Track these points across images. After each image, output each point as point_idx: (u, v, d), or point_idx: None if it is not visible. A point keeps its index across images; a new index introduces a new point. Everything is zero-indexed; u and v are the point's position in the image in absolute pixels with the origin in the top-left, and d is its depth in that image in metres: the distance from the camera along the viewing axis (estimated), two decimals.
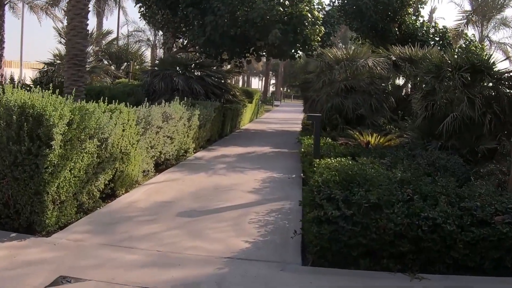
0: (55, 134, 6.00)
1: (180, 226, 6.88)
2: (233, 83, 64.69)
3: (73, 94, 8.03)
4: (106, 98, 14.99)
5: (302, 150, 11.11)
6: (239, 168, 11.93)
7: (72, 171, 6.59)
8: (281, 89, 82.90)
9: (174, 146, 11.49)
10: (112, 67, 26.25)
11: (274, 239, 6.45)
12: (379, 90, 16.40)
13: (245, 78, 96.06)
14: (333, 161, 8.37)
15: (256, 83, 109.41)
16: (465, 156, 10.38)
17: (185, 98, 16.38)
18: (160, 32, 29.41)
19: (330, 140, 12.44)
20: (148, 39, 44.89)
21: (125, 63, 26.40)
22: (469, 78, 11.27)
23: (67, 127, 6.30)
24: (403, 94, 18.53)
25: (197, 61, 19.52)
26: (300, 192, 9.47)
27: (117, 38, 35.75)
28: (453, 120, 10.88)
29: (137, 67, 25.85)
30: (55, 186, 6.24)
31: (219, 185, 9.76)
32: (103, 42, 26.04)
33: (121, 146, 8.35)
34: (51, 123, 5.97)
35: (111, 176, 8.13)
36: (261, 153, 15.02)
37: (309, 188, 6.57)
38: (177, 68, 18.72)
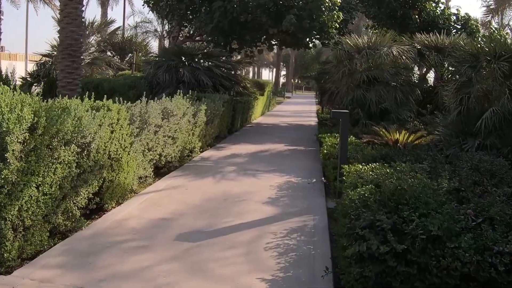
0: (11, 144, 4.58)
1: (178, 256, 5.44)
2: (244, 74, 63.34)
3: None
4: (105, 91, 13.45)
5: (325, 151, 9.62)
6: (251, 171, 10.49)
7: (40, 188, 5.17)
8: (292, 80, 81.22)
9: (176, 146, 10.07)
10: (116, 59, 24.87)
11: (298, 276, 5.01)
12: (404, 81, 14.86)
13: (256, 69, 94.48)
14: (365, 168, 6.92)
15: (266, 75, 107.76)
16: (507, 156, 8.95)
17: (191, 91, 15.03)
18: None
19: (353, 138, 10.97)
20: (156, 30, 43.33)
21: (130, 54, 25.01)
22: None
23: (28, 134, 4.88)
24: (428, 85, 17.01)
25: (205, 51, 18.03)
26: (323, 201, 8.05)
27: (123, 29, 34.41)
28: (492, 116, 9.51)
29: (142, 58, 24.43)
30: (16, 209, 4.83)
31: (228, 194, 8.33)
32: (106, 32, 24.58)
33: (109, 151, 6.95)
34: (4, 129, 4.54)
35: (98, 188, 6.73)
36: (275, 152, 13.56)
37: (343, 209, 5.12)
38: (183, 58, 17.27)
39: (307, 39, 19.82)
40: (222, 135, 15.66)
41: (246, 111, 20.67)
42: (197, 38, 20.28)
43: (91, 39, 23.62)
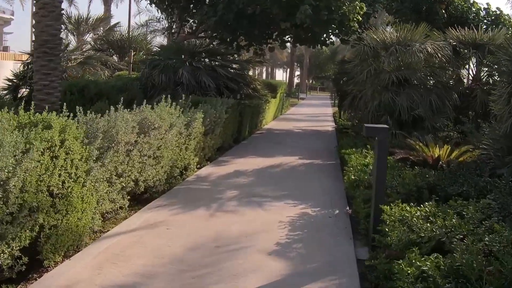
0: None
1: None
2: (256, 75, 61.24)
3: None
4: (91, 95, 11.44)
5: (351, 177, 7.37)
6: (256, 197, 8.33)
7: None
8: (307, 81, 78.91)
9: (161, 167, 7.95)
10: (115, 58, 22.87)
11: None
12: (439, 83, 12.60)
13: (269, 69, 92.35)
14: (415, 213, 4.79)
15: (280, 75, 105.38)
16: None
17: (189, 94, 12.97)
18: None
19: None
20: (163, 28, 41.28)
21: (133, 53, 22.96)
22: None
23: None
24: (464, 88, 14.71)
25: (208, 48, 15.86)
26: (351, 250, 5.87)
27: (128, 28, 32.41)
28: None
29: (143, 57, 22.34)
30: None
31: (222, 237, 6.17)
32: (104, 30, 22.53)
33: (49, 186, 4.85)
34: None
35: (31, 239, 4.64)
36: (287, 167, 11.38)
37: None
38: (183, 57, 15.15)
39: (325, 35, 17.51)
40: (226, 145, 13.52)
41: (256, 116, 18.52)
42: (200, 34, 18.16)
43: (86, 37, 21.64)
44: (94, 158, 5.78)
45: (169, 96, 9.26)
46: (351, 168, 7.81)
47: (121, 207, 6.89)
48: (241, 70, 17.58)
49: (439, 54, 12.30)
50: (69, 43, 19.74)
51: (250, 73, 23.88)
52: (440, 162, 8.75)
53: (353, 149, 9.45)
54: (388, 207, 5.13)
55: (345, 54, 46.14)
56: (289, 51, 65.73)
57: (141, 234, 6.17)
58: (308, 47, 25.63)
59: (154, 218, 6.84)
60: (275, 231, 6.47)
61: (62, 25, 18.52)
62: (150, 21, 44.02)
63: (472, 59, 13.95)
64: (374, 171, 5.78)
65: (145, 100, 8.84)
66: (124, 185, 6.73)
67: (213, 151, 11.92)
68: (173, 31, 18.86)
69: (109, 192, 6.32)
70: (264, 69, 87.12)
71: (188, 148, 9.50)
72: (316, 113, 32.31)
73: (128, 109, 7.54)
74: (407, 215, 4.89)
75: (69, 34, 21.41)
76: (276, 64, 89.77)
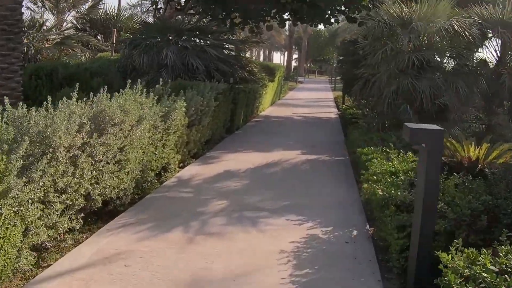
0: None
1: None
2: (253, 57, 59.08)
3: None
4: (59, 80, 9.38)
5: (378, 192, 5.43)
6: (250, 210, 6.55)
7: None
8: (305, 64, 76.77)
9: (127, 173, 6.16)
10: (100, 38, 20.93)
11: None
12: (467, 67, 10.77)
13: (266, 52, 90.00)
14: (486, 261, 3.04)
15: (278, 58, 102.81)
16: None
17: (175, 77, 11.22)
18: None
19: (411, 154, 7.05)
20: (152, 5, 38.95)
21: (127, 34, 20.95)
22: None
23: None
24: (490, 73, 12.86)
25: (196, 25, 13.92)
26: None
27: (118, 7, 30.18)
28: None
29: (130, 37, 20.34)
30: None
31: (201, 282, 4.41)
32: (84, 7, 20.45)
33: None
34: None
35: None
36: (287, 166, 9.60)
37: None
38: (169, 36, 13.24)
39: (329, 11, 15.48)
40: (217, 137, 11.71)
41: (252, 102, 16.71)
42: (189, 11, 16.18)
43: (66, 16, 19.65)
44: (15, 173, 3.98)
45: (145, 81, 7.43)
46: (374, 177, 5.99)
47: (70, 230, 5.14)
48: (236, 51, 15.71)
49: (466, 33, 10.44)
50: (45, 21, 17.80)
51: (248, 55, 21.97)
52: (480, 166, 7.00)
53: (371, 147, 7.62)
54: (446, 254, 3.36)
55: (345, 36, 44.11)
56: (287, 33, 63.57)
57: (89, 276, 4.40)
58: (309, 26, 23.49)
59: (111, 247, 5.06)
60: (274, 268, 4.70)
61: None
62: (144, 1, 41.80)
63: (497, 40, 12.13)
64: (418, 193, 4.00)
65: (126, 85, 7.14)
66: (72, 203, 4.96)
67: (201, 146, 10.14)
68: (158, 6, 16.93)
69: (45, 216, 4.54)
70: (261, 52, 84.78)
71: (167, 144, 7.71)
72: (316, 97, 30.45)
73: (85, 99, 5.77)
74: (478, 271, 3.13)
75: (48, 12, 19.40)
76: (273, 47, 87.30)
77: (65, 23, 19.19)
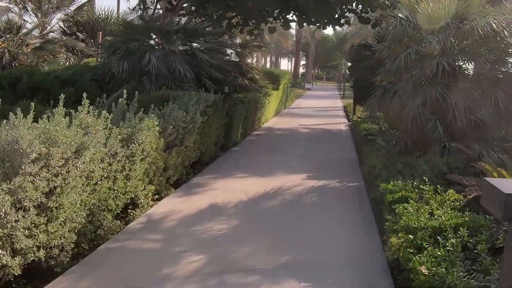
0: None
1: None
2: (261, 65, 57.39)
3: None
4: (24, 89, 7.00)
5: (420, 278, 3.51)
6: (236, 272, 4.75)
7: None
8: (313, 70, 75.04)
9: (61, 224, 4.39)
10: (89, 43, 19.23)
11: None
12: (508, 74, 8.92)
13: (273, 58, 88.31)
14: None
15: (285, 65, 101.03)
16: None
17: (160, 86, 9.54)
18: None
19: (451, 191, 5.24)
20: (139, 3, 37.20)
21: (107, 38, 19.24)
22: None
23: None
24: None
25: (186, 26, 12.11)
26: None
27: (117, 12, 28.54)
28: None
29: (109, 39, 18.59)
30: None
31: None
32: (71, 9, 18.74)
33: None
34: None
35: None
36: (290, 198, 7.76)
37: None
38: (155, 38, 11.49)
39: (339, 10, 13.57)
40: (207, 157, 9.92)
41: (252, 113, 14.92)
42: (181, 12, 14.41)
43: (49, 18, 17.96)
44: None
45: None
46: (407, 236, 4.13)
47: None
48: (236, 56, 13.94)
49: (505, 32, 8.63)
50: (23, 24, 16.11)
51: (254, 61, 20.16)
52: None
53: (397, 181, 5.77)
54: None
55: (353, 41, 42.30)
56: (295, 39, 61.82)
57: None
58: (317, 31, 21.69)
59: None
60: None
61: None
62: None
63: None
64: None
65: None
66: None
67: (184, 170, 8.35)
68: (146, 6, 15.22)
69: None
70: (268, 58, 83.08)
71: (132, 175, 5.94)
72: (325, 106, 28.60)
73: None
74: None
75: (31, 14, 17.78)
76: (281, 53, 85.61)
77: (48, 26, 17.47)
